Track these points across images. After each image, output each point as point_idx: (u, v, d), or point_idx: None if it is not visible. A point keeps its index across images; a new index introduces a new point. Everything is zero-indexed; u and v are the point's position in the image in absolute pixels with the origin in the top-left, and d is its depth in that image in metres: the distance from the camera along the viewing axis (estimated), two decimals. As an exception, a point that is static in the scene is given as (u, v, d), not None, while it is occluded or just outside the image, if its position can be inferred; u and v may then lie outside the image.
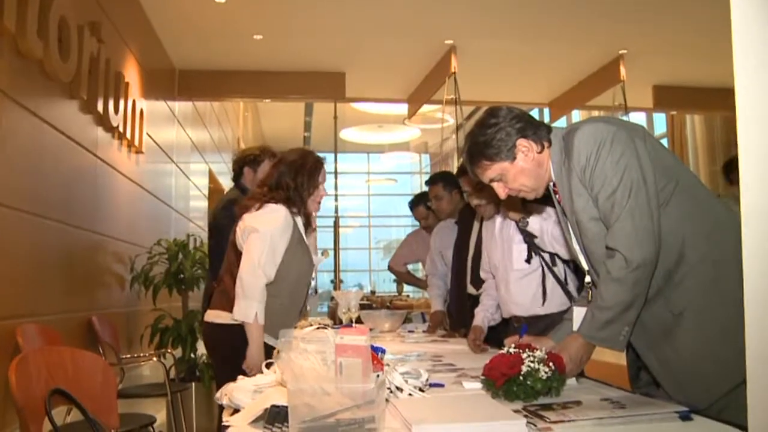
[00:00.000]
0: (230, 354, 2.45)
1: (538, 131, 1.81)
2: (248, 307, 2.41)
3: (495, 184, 1.85)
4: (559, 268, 2.52)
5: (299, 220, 2.60)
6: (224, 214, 3.44)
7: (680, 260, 1.65)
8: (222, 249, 3.45)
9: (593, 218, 1.71)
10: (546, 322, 2.48)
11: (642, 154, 1.65)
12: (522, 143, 1.79)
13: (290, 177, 2.56)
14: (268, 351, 2.38)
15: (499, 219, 2.68)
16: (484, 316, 2.76)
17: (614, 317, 1.64)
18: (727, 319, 1.55)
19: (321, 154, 2.72)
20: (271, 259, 2.46)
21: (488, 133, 1.80)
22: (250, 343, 2.42)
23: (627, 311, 1.63)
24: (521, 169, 1.80)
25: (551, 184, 1.86)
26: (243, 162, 3.52)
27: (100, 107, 4.03)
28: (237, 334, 2.44)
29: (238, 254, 2.52)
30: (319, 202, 2.65)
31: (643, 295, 1.65)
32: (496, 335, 2.77)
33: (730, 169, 4.37)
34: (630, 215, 1.61)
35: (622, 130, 1.68)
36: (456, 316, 3.52)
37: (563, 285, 2.51)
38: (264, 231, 2.46)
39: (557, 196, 1.86)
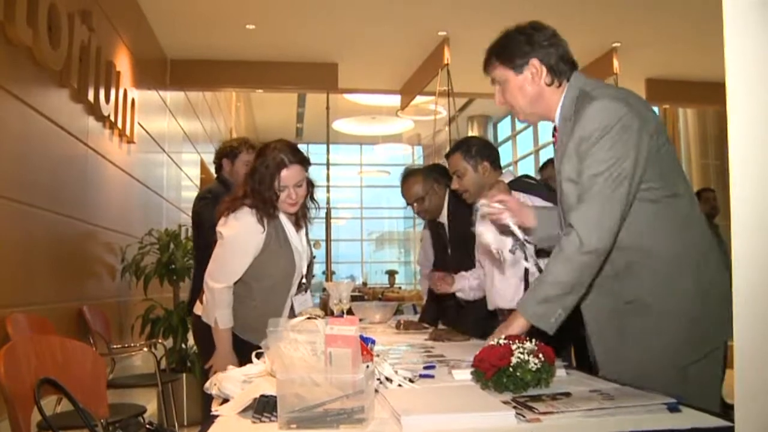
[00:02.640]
0: (213, 347, 2.46)
1: (560, 66, 1.77)
2: (209, 311, 2.43)
3: (496, 88, 1.86)
4: (545, 261, 2.50)
5: (284, 220, 2.52)
6: (200, 204, 3.49)
7: (645, 254, 1.67)
8: (201, 240, 3.46)
9: (571, 180, 1.72)
10: None
11: (642, 150, 1.62)
12: (534, 63, 1.76)
13: (256, 180, 2.43)
14: (247, 348, 2.36)
15: None
16: (465, 277, 2.83)
17: (553, 296, 1.65)
18: (679, 312, 1.62)
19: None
20: (233, 265, 2.43)
21: (515, 38, 1.79)
22: (216, 345, 2.44)
23: (567, 295, 1.65)
24: (521, 87, 1.79)
25: (552, 126, 1.85)
26: (222, 154, 3.59)
27: (90, 96, 4.00)
28: None
29: None
30: (292, 204, 2.48)
31: (586, 284, 1.66)
32: (482, 328, 2.77)
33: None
34: (603, 202, 1.61)
35: (635, 119, 1.63)
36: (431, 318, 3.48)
37: None
38: (227, 236, 2.42)
39: (554, 139, 1.86)
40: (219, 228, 2.46)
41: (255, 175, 2.44)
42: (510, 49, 1.78)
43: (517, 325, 1.71)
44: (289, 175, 2.43)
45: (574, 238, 1.62)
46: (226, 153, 3.58)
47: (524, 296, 1.74)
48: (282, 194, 2.44)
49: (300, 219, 2.61)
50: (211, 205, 3.41)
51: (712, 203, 5.06)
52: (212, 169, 8.83)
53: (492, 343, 1.62)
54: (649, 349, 1.66)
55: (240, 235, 2.43)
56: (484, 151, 2.70)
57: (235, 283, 2.46)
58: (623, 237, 1.65)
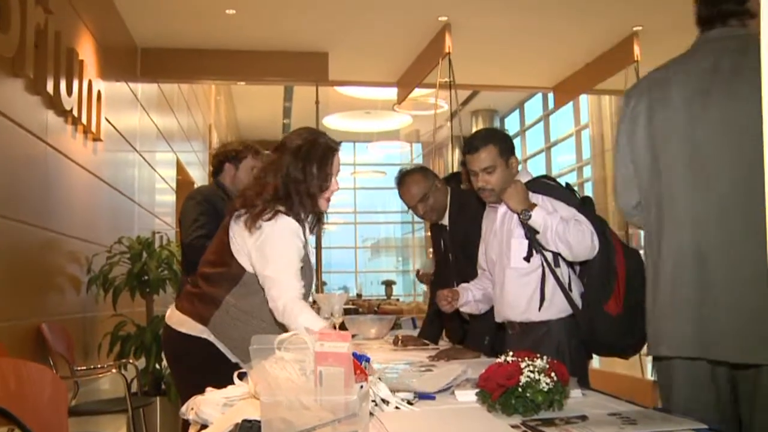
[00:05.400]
0: (194, 366, 2.40)
1: None
2: (304, 324, 2.03)
3: None
4: (563, 270, 2.48)
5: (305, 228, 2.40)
6: (186, 204, 3.46)
7: None
8: (186, 241, 3.43)
9: None
10: (542, 329, 2.47)
11: None
12: None
13: (298, 170, 2.29)
14: (231, 369, 2.32)
15: (501, 210, 2.64)
16: (467, 288, 2.80)
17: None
18: None
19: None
20: (296, 269, 2.25)
21: None
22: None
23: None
24: None
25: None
26: (224, 157, 3.57)
27: (50, 87, 3.97)
28: (204, 346, 2.36)
29: (234, 262, 2.34)
30: (329, 199, 2.40)
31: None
32: (491, 344, 2.77)
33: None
34: None
35: None
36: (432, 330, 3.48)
37: (565, 289, 2.47)
38: (270, 235, 2.24)
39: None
40: (265, 234, 2.24)
41: (305, 162, 2.29)
42: None
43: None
44: (337, 160, 2.38)
45: None
46: (230, 157, 3.55)
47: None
48: (326, 186, 2.34)
49: (317, 223, 2.50)
50: (199, 206, 3.39)
51: None
52: (190, 170, 8.84)
53: None
54: None
55: (294, 244, 2.25)
56: (512, 144, 2.68)
57: (246, 298, 2.32)
58: None
